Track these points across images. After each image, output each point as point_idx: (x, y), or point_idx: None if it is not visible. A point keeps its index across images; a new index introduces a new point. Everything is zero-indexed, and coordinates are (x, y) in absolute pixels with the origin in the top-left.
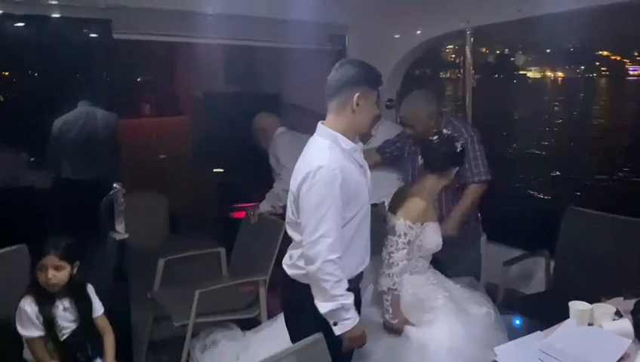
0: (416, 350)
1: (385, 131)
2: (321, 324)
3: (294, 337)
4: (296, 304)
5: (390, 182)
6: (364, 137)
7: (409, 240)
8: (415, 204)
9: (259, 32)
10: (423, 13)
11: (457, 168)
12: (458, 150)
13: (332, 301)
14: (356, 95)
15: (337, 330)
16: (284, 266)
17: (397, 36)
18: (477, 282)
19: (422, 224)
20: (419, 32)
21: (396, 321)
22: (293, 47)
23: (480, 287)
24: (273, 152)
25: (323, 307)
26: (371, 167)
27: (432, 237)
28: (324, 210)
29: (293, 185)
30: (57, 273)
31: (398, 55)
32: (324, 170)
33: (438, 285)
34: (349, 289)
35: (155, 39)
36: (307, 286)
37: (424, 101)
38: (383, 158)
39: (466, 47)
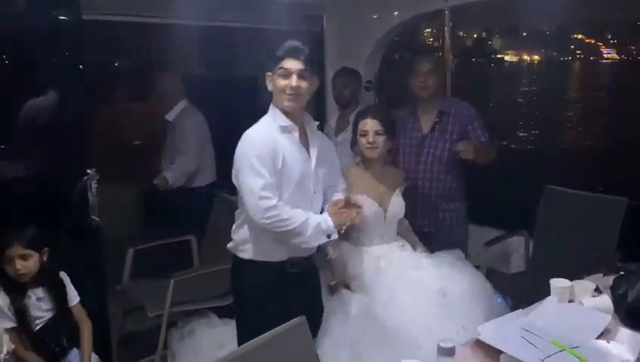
0: (341, 312)
1: None
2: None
3: (239, 314)
4: (235, 277)
5: None
6: (342, 125)
7: None
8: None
9: (234, 12)
10: None
11: (353, 138)
12: None
13: (307, 235)
14: (267, 74)
15: (335, 236)
16: None
17: (375, 16)
18: (462, 256)
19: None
20: (397, 12)
21: (333, 283)
22: (270, 27)
23: (465, 262)
24: (180, 126)
25: (311, 242)
26: None
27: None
28: (252, 170)
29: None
30: (25, 262)
31: (376, 36)
32: (251, 135)
33: (384, 258)
34: (297, 271)
35: (126, 20)
36: (242, 261)
37: (442, 64)
38: None
39: (445, 27)
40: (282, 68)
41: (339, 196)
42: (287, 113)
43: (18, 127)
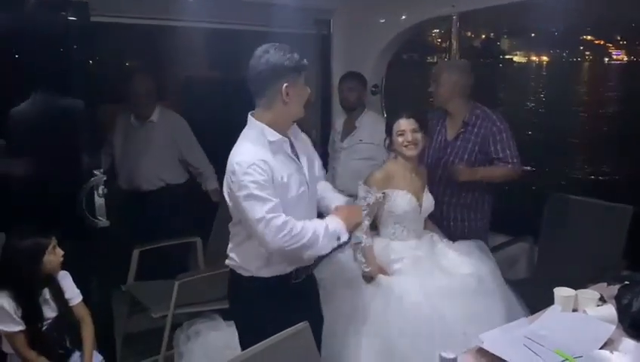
0: (383, 296)
1: (369, 122)
2: (261, 312)
3: (241, 328)
4: (235, 294)
5: None
6: (348, 129)
7: (368, 203)
8: (372, 174)
9: (242, 15)
10: None
11: (389, 139)
12: None
13: (319, 244)
14: (284, 86)
15: (345, 237)
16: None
17: (382, 21)
18: (484, 246)
19: (378, 190)
20: (404, 17)
21: (369, 269)
22: (278, 31)
23: (488, 253)
24: (173, 132)
25: (325, 249)
26: None
27: (398, 203)
28: (254, 199)
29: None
30: (61, 251)
31: (383, 40)
32: (241, 161)
33: (419, 249)
34: (298, 281)
35: (134, 22)
36: (243, 278)
37: (464, 71)
38: None
39: (452, 32)
40: (302, 80)
41: (339, 202)
42: (275, 126)
43: (26, 126)
